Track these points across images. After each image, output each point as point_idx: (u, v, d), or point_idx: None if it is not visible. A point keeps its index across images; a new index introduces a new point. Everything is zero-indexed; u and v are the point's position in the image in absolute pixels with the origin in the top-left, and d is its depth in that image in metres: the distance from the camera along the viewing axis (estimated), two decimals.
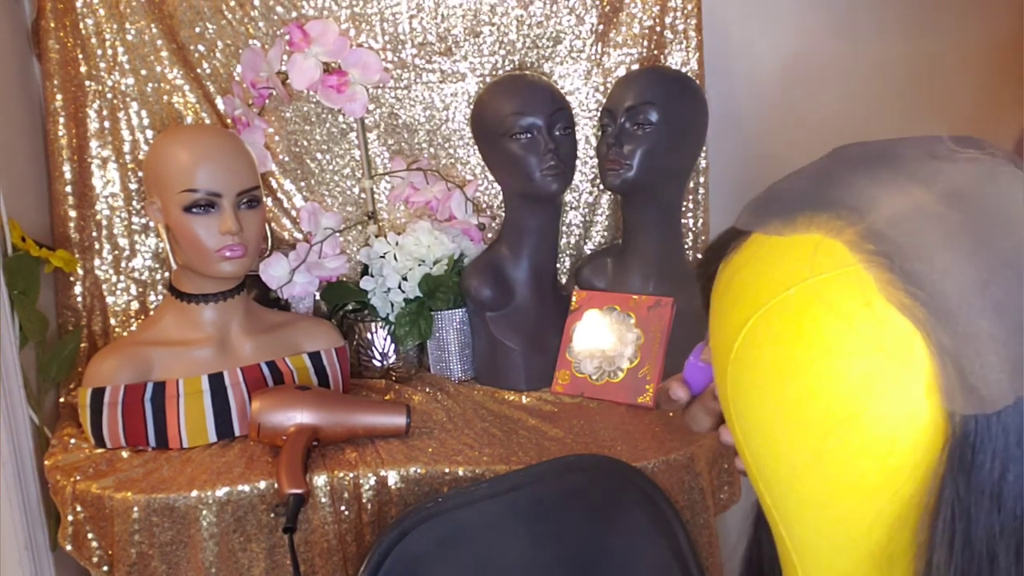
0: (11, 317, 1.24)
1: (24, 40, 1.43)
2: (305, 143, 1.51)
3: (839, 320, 0.44)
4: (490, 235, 1.53)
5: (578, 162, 1.47)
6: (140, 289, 1.48)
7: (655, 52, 1.49)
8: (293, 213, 1.51)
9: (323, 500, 1.16)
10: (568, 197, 1.54)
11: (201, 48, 1.46)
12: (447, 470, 1.17)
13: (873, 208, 0.45)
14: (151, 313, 1.46)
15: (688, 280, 1.37)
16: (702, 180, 1.53)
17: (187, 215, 1.20)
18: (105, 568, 1.18)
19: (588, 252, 1.57)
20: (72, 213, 1.44)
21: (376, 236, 1.50)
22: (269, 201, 1.50)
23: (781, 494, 0.49)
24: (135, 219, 1.47)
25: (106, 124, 1.45)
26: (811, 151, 0.52)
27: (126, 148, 1.46)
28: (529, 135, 1.35)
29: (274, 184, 1.51)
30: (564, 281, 1.56)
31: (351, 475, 1.16)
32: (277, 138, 1.50)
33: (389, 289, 1.42)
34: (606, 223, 1.57)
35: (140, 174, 1.45)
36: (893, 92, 1.59)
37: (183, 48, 1.45)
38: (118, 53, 1.43)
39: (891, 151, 0.48)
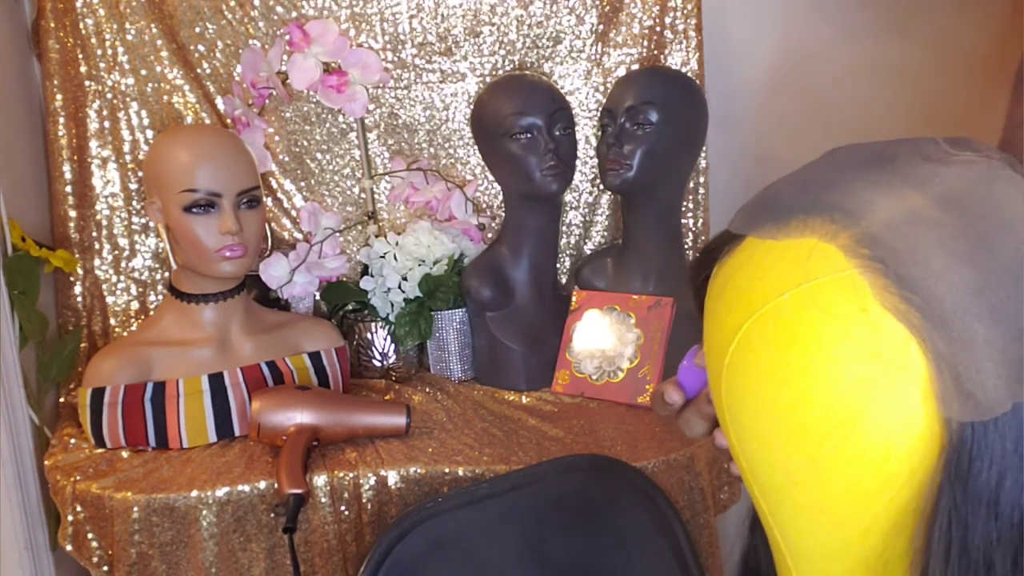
0: (11, 317, 1.24)
1: (24, 40, 1.43)
2: (305, 143, 1.51)
3: (834, 325, 0.43)
4: (490, 235, 1.53)
5: (578, 162, 1.47)
6: (140, 289, 1.48)
7: (655, 52, 1.49)
8: (293, 213, 1.51)
9: (323, 500, 1.16)
10: (568, 197, 1.54)
11: (201, 48, 1.46)
12: (447, 470, 1.17)
13: (868, 212, 0.44)
14: (151, 313, 1.46)
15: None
16: (702, 180, 1.53)
17: (187, 215, 1.20)
18: (105, 568, 1.18)
19: (588, 252, 1.57)
20: (72, 213, 1.44)
21: (376, 236, 1.50)
22: (269, 201, 1.50)
23: (776, 499, 0.49)
24: (135, 219, 1.47)
25: (106, 124, 1.45)
26: (811, 151, 0.52)
27: (126, 148, 1.46)
28: (529, 135, 1.35)
29: (274, 184, 1.51)
30: (564, 281, 1.56)
31: (351, 475, 1.16)
32: (277, 138, 1.50)
33: (389, 289, 1.42)
34: (606, 223, 1.57)
35: (140, 174, 1.45)
36: (893, 93, 1.59)
37: (183, 48, 1.45)
38: (118, 53, 1.43)
39: (885, 153, 0.48)
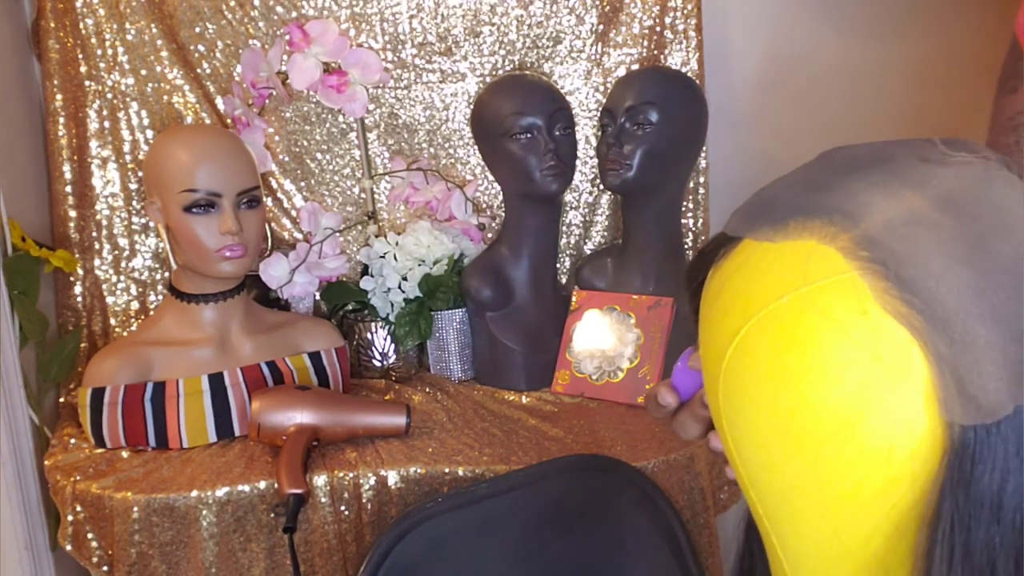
0: (11, 317, 1.24)
1: (24, 40, 1.43)
2: (305, 143, 1.51)
3: (834, 329, 0.43)
4: (490, 235, 1.53)
5: (578, 162, 1.47)
6: (140, 289, 1.48)
7: (655, 52, 1.49)
8: (293, 213, 1.51)
9: (323, 500, 1.16)
10: (568, 197, 1.54)
11: (201, 48, 1.46)
12: (447, 470, 1.17)
13: (867, 214, 0.44)
14: (151, 313, 1.46)
15: None
16: (702, 180, 1.53)
17: (187, 215, 1.20)
18: (105, 568, 1.18)
19: (588, 252, 1.56)
20: (72, 213, 1.44)
21: (376, 236, 1.50)
22: (269, 201, 1.50)
23: (774, 505, 0.48)
24: (135, 219, 1.47)
25: (106, 124, 1.45)
26: (811, 151, 0.51)
27: (126, 148, 1.46)
28: (529, 135, 1.35)
29: (274, 184, 1.51)
30: (564, 281, 1.56)
31: (351, 475, 1.16)
32: (277, 138, 1.50)
33: (389, 289, 1.42)
34: (606, 223, 1.57)
35: (140, 174, 1.45)
36: (893, 93, 1.59)
37: (183, 48, 1.45)
38: (118, 53, 1.43)
39: (882, 154, 0.47)
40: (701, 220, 1.54)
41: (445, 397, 1.38)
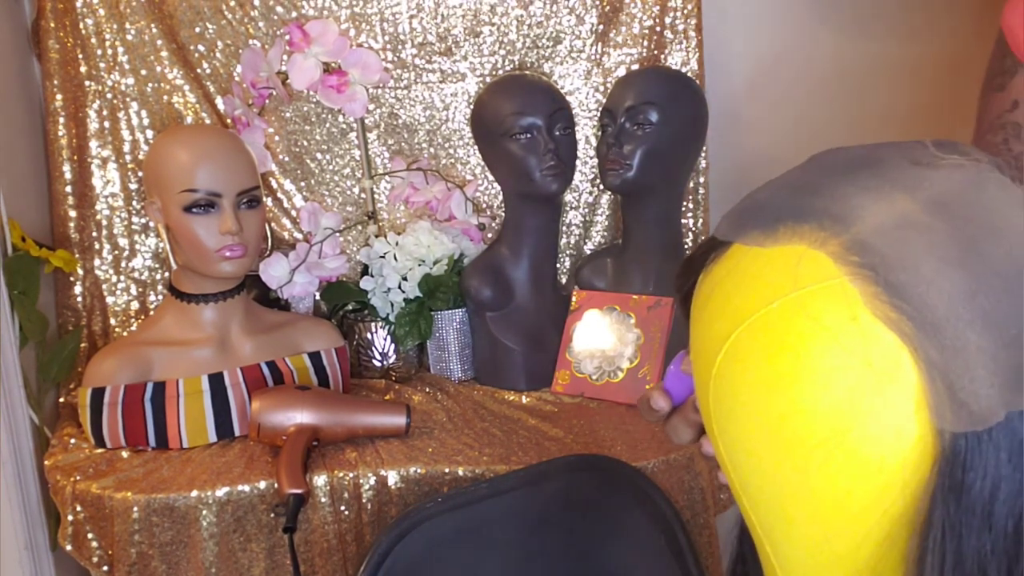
0: (11, 317, 1.24)
1: (24, 40, 1.43)
2: (305, 143, 1.51)
3: (824, 335, 0.42)
4: (490, 235, 1.53)
5: (578, 162, 1.47)
6: (140, 289, 1.48)
7: (655, 52, 1.49)
8: (293, 213, 1.51)
9: (323, 500, 1.16)
10: (568, 197, 1.54)
11: (201, 48, 1.46)
12: (447, 470, 1.17)
13: (857, 218, 0.43)
14: (151, 313, 1.46)
15: None
16: (702, 180, 1.53)
17: (187, 215, 1.20)
18: (105, 568, 1.18)
19: (588, 252, 1.56)
20: (72, 213, 1.44)
21: (376, 236, 1.50)
22: (269, 201, 1.50)
23: (766, 511, 0.48)
24: (135, 219, 1.47)
25: (106, 124, 1.45)
26: (812, 151, 0.51)
27: (126, 148, 1.46)
28: (529, 135, 1.35)
29: (274, 184, 1.51)
30: (564, 281, 1.56)
31: (351, 475, 1.16)
32: (277, 138, 1.50)
33: (389, 289, 1.42)
34: (606, 223, 1.57)
35: (140, 174, 1.45)
36: (896, 93, 1.59)
37: (183, 48, 1.45)
38: (118, 53, 1.43)
39: (873, 157, 0.47)
40: (701, 220, 1.54)
41: (445, 397, 1.38)
